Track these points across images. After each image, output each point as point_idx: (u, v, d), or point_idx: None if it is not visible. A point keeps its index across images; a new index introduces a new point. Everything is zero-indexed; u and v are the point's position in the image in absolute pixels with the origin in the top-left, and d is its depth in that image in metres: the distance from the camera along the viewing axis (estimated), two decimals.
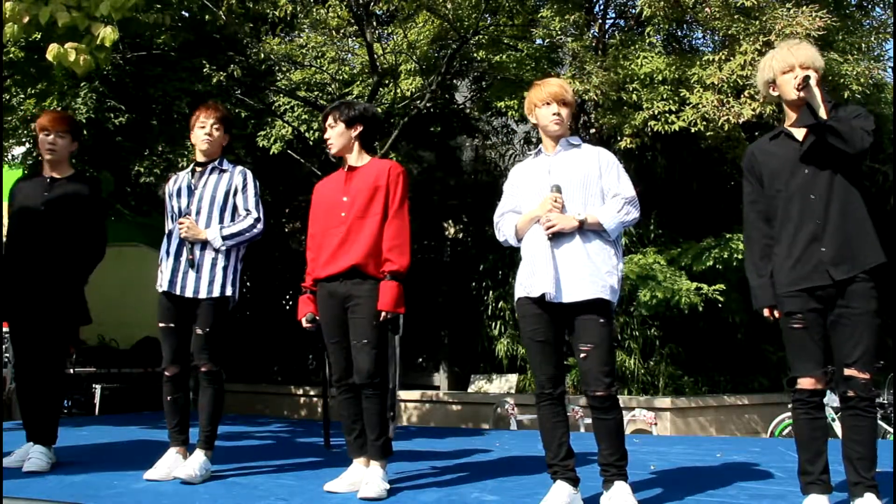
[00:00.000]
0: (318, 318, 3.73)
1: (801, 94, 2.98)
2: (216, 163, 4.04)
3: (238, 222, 3.96)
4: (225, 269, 3.92)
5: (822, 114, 2.93)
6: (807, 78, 2.96)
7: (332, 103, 4.10)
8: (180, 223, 3.89)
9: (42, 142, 4.25)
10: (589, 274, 3.14)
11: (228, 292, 3.92)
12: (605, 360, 3.13)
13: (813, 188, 2.98)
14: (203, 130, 3.99)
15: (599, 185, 3.27)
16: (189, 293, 3.88)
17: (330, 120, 3.79)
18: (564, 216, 3.18)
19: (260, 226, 3.98)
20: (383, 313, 3.54)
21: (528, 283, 3.22)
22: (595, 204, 3.24)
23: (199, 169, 4.03)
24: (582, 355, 3.14)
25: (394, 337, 3.56)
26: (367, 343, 3.54)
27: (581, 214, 3.19)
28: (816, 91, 2.96)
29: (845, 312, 2.92)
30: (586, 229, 3.20)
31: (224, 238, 3.91)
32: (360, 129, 3.75)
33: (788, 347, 3.03)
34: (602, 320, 3.14)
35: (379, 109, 6.92)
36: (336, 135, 3.76)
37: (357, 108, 3.80)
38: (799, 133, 3.07)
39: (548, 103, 3.32)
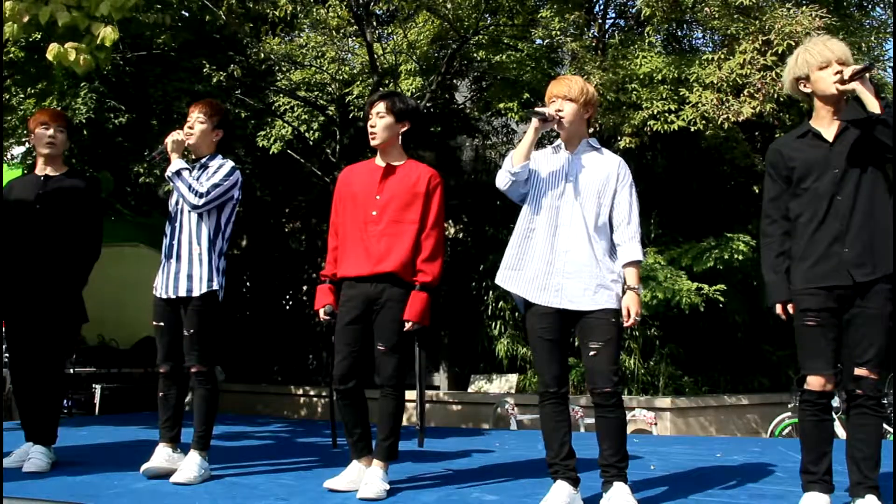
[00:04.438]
0: (336, 311, 3.60)
1: (850, 86, 2.93)
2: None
3: (196, 183, 3.80)
4: (209, 262, 3.83)
5: (875, 108, 2.89)
6: (867, 68, 2.92)
7: (380, 92, 3.87)
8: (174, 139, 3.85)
9: (41, 136, 4.20)
10: (596, 284, 3.17)
11: (215, 286, 3.83)
12: (613, 359, 3.16)
13: (840, 189, 2.96)
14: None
15: (613, 196, 3.27)
16: (177, 293, 3.82)
17: (380, 108, 3.58)
18: (633, 299, 3.16)
19: (195, 199, 3.78)
20: (409, 323, 3.49)
21: (536, 293, 3.23)
22: (605, 212, 3.25)
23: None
24: (591, 353, 3.15)
25: (415, 343, 3.54)
26: (392, 347, 3.51)
27: (634, 285, 3.18)
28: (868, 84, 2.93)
29: (861, 312, 2.92)
30: (594, 234, 3.22)
31: (178, 171, 3.79)
32: (407, 126, 3.63)
33: (800, 345, 3.01)
34: (613, 319, 3.18)
35: None
36: (384, 126, 3.58)
37: (410, 104, 3.65)
38: (826, 132, 3.04)
39: (552, 103, 3.31)
